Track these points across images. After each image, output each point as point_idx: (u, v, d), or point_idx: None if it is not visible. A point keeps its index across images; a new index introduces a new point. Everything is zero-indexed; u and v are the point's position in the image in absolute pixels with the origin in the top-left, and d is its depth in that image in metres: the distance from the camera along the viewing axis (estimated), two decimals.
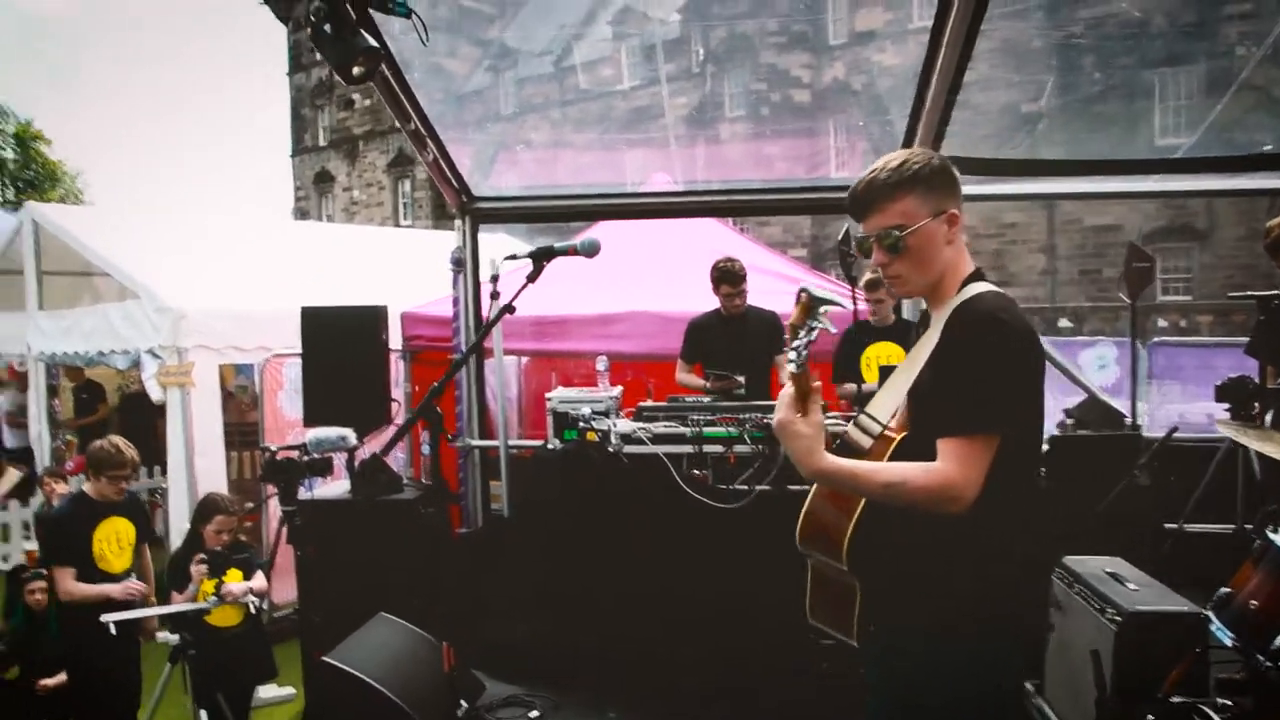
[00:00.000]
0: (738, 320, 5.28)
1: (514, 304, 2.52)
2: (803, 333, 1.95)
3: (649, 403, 5.00)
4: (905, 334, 5.26)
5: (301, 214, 42.45)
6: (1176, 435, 4.56)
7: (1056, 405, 5.83)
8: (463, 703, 3.68)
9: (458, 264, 5.91)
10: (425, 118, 5.24)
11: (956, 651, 1.98)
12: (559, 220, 6.91)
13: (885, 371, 4.73)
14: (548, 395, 5.55)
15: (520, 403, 8.71)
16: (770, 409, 4.65)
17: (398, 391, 6.39)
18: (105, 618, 3.93)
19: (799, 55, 31.11)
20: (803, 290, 1.97)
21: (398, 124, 5.28)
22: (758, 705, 4.10)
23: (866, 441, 2.15)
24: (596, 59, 35.27)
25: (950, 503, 1.88)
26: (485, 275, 5.84)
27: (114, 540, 4.41)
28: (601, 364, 5.57)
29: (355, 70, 4.16)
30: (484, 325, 2.58)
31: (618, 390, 5.30)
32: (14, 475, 8.85)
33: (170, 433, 6.90)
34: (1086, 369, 9.46)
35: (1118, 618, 2.89)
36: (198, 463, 6.87)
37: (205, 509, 4.59)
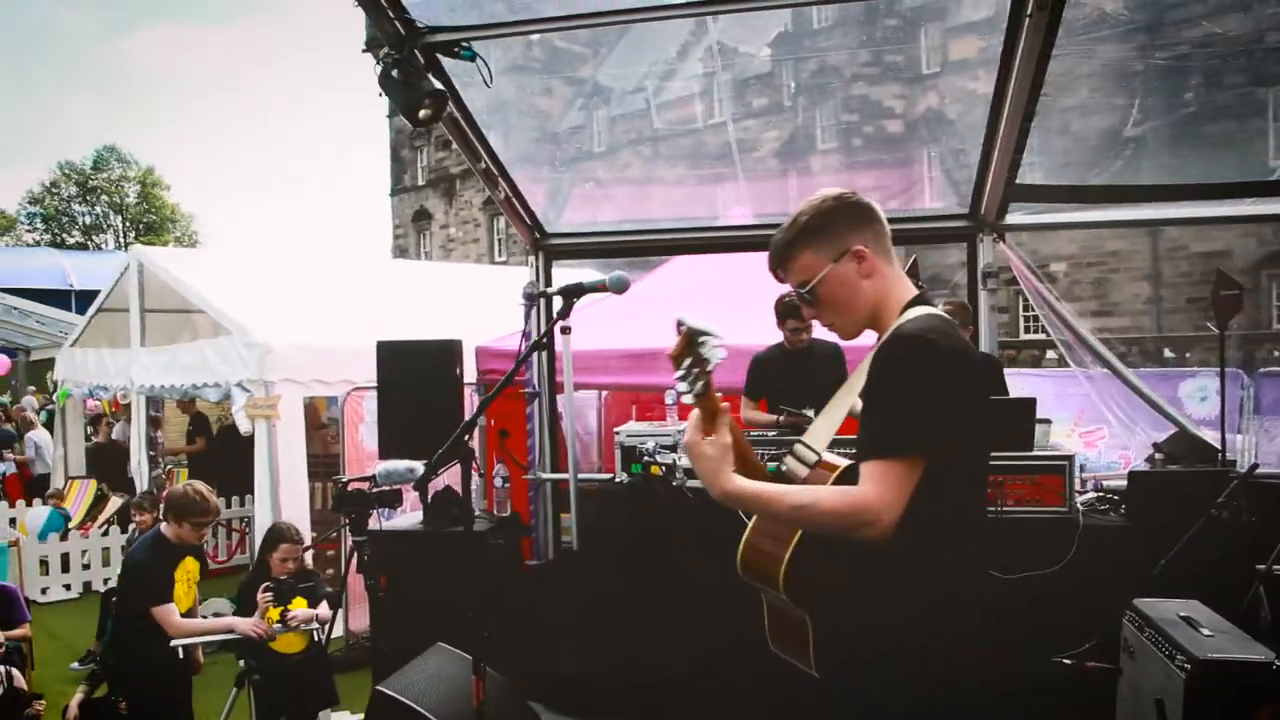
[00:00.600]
0: (802, 354, 5.21)
1: (545, 339, 2.54)
2: (687, 361, 1.90)
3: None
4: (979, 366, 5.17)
5: (400, 252, 43.63)
6: (1260, 472, 4.34)
7: (1147, 439, 5.63)
8: None
9: (529, 299, 6.00)
10: (495, 157, 5.36)
11: (892, 684, 1.90)
12: (631, 255, 6.96)
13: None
14: (616, 429, 5.58)
15: (599, 436, 8.77)
16: (838, 442, 4.62)
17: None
18: (175, 643, 4.07)
19: (891, 86, 30.85)
20: (680, 322, 1.92)
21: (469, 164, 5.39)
22: None
23: (802, 470, 2.12)
24: (688, 95, 35.59)
25: (865, 526, 1.81)
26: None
27: (185, 580, 4.58)
28: (670, 398, 5.59)
29: (421, 113, 4.28)
30: (516, 361, 2.61)
31: (684, 425, 5.29)
32: (115, 502, 9.25)
33: (257, 463, 7.13)
34: (1187, 401, 9.08)
35: (1187, 665, 2.76)
36: (282, 493, 7.08)
37: (271, 538, 4.72)
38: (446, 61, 4.55)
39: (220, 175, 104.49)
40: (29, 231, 57.01)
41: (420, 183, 43.45)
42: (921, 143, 29.84)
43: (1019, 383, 7.66)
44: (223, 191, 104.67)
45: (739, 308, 6.56)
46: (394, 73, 4.18)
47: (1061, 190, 5.53)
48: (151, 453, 11.47)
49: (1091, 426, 8.36)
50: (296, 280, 9.17)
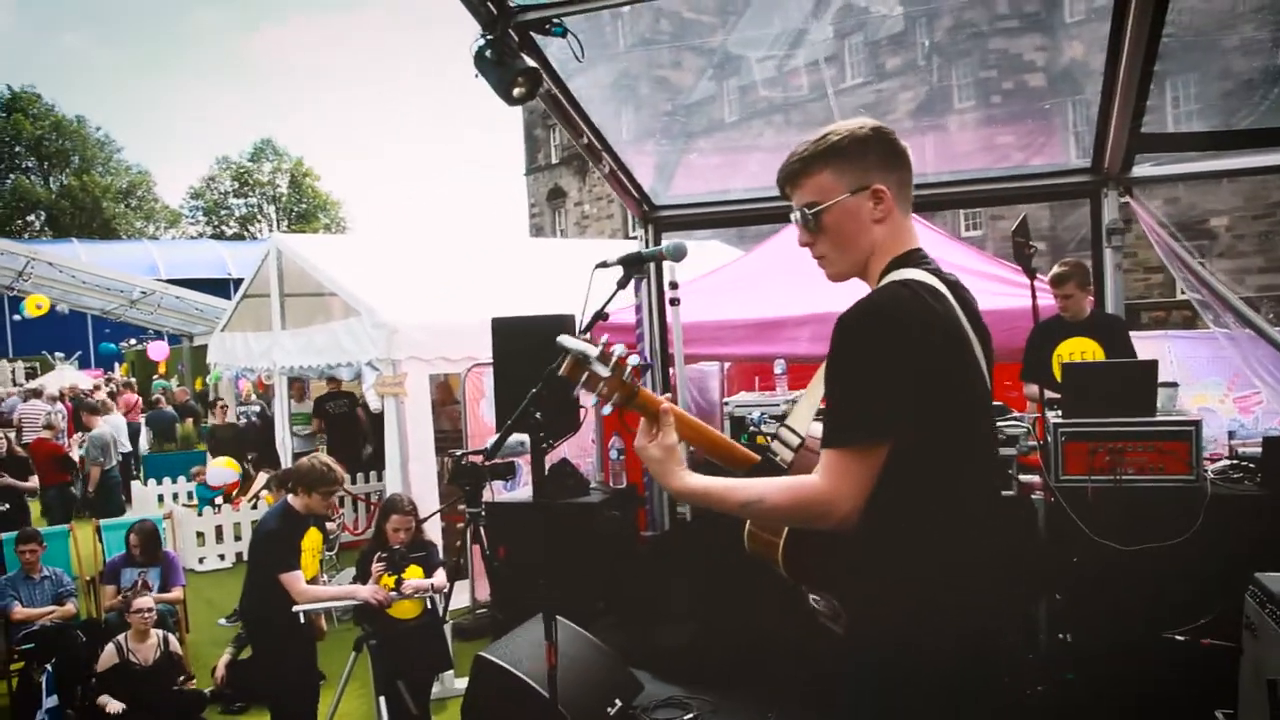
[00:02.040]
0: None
1: (607, 310, 2.54)
2: (584, 379, 1.88)
3: (821, 407, 4.90)
4: (1104, 329, 4.92)
5: (536, 230, 44.36)
6: None
7: None
8: (617, 701, 3.74)
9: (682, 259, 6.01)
10: (598, 131, 5.38)
11: (872, 667, 1.81)
12: (740, 224, 6.89)
13: (1069, 369, 4.46)
14: (726, 400, 5.56)
15: (721, 407, 8.75)
16: None
17: (587, 399, 6.57)
18: (297, 608, 4.29)
19: (1031, 38, 29.44)
20: (560, 345, 1.91)
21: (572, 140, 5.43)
22: None
23: (787, 455, 2.02)
24: (819, 59, 34.93)
25: (819, 518, 1.73)
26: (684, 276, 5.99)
27: (311, 550, 4.85)
28: (779, 367, 5.53)
29: (515, 91, 4.33)
30: (580, 332, 2.61)
31: (797, 394, 5.24)
32: (262, 478, 9.78)
33: (387, 439, 7.40)
34: None
35: None
36: (411, 467, 7.32)
37: (385, 509, 4.91)
38: (547, 40, 4.59)
39: (365, 162, 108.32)
40: (191, 224, 60.43)
41: (554, 161, 44.01)
42: (1065, 95, 28.45)
43: (1167, 346, 7.24)
44: (369, 178, 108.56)
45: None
46: (488, 53, 4.24)
47: (1197, 137, 5.18)
48: (299, 429, 12.10)
49: (1247, 391, 7.88)
50: (426, 261, 9.43)
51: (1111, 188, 5.19)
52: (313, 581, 4.84)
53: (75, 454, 11.04)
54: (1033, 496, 4.30)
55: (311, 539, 4.85)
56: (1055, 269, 4.98)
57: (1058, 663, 4.07)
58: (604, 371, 1.86)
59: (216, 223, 59.29)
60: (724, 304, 6.94)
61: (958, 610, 1.76)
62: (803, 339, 6.25)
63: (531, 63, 4.31)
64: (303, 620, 4.49)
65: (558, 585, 5.31)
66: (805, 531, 1.89)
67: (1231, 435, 5.69)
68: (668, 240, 2.59)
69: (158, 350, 21.07)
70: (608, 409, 1.94)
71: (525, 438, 5.48)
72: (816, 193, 1.90)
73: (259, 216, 60.10)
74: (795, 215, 1.95)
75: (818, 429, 1.92)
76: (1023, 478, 4.45)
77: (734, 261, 8.32)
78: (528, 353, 5.81)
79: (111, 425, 11.01)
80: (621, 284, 2.50)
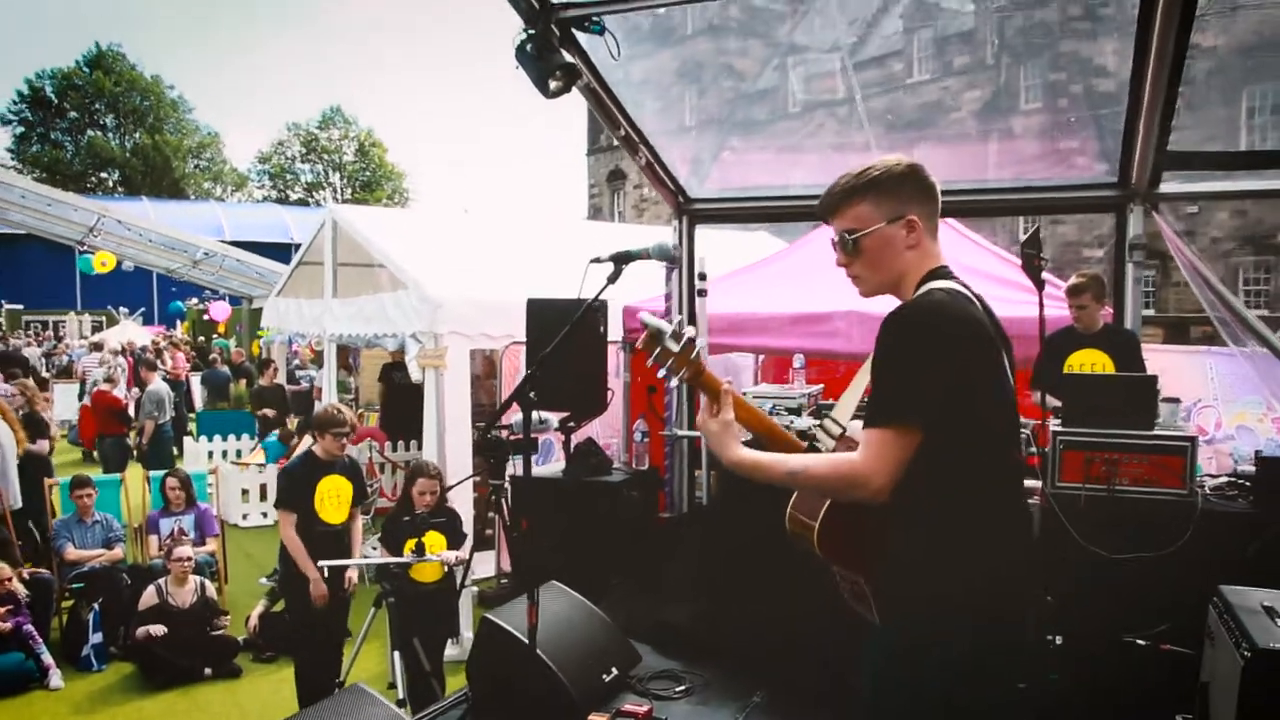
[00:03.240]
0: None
1: (601, 300, 2.74)
2: (657, 353, 2.10)
3: (828, 401, 5.06)
4: (1116, 343, 5.01)
5: (595, 211, 44.60)
6: None
7: None
8: (613, 669, 3.95)
9: (671, 261, 6.19)
10: (634, 124, 5.57)
11: (897, 650, 2.03)
12: (773, 220, 7.03)
13: (1070, 380, 4.56)
14: (745, 390, 5.73)
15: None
16: None
17: (616, 381, 6.79)
18: (321, 564, 4.58)
19: (1106, 41, 28.91)
20: (643, 322, 2.14)
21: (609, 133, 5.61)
22: None
23: (829, 443, 2.27)
24: (886, 54, 34.55)
25: (855, 489, 1.95)
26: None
27: (334, 495, 5.12)
28: (798, 361, 5.68)
29: (552, 85, 4.53)
30: (572, 322, 2.84)
31: (815, 388, 5.39)
32: (308, 441, 10.12)
33: (426, 409, 7.67)
34: None
35: (1248, 653, 2.70)
36: (448, 438, 7.59)
37: (412, 473, 5.17)
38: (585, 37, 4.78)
39: (433, 136, 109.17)
40: (258, 188, 61.50)
41: (615, 143, 44.08)
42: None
43: (1208, 362, 7.22)
44: (436, 152, 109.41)
45: None
46: (528, 47, 4.44)
47: (1221, 157, 5.22)
48: (347, 396, 12.47)
49: None
50: (476, 239, 9.69)
51: (1138, 204, 5.25)
52: (342, 529, 5.16)
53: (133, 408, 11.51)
54: (1029, 502, 4.42)
55: (334, 484, 5.14)
56: (1073, 279, 5.08)
57: (1043, 662, 4.20)
58: (674, 347, 2.09)
59: (282, 187, 60.38)
60: (762, 296, 7.09)
61: (981, 601, 1.95)
62: (839, 335, 6.40)
63: (569, 58, 4.49)
64: (326, 574, 4.77)
65: (575, 559, 5.57)
66: (840, 515, 2.13)
67: (1258, 453, 5.73)
68: (655, 241, 2.77)
69: (219, 310, 21.69)
70: (674, 382, 2.20)
71: (550, 415, 5.72)
72: (856, 221, 2.15)
73: (324, 183, 61.08)
74: (834, 238, 2.20)
75: (857, 426, 2.17)
76: (1028, 483, 4.57)
77: (776, 255, 8.45)
78: (559, 332, 6.08)
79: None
80: (611, 279, 2.69)
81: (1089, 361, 4.94)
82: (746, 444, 2.18)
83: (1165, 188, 5.25)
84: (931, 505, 1.98)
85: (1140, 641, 3.70)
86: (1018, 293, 5.74)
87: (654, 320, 2.10)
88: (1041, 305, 4.35)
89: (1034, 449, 4.34)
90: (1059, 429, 4.20)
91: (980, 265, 6.63)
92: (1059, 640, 4.24)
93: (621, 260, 2.69)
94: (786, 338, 6.75)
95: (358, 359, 13.48)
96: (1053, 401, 4.59)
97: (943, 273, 2.14)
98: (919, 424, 1.92)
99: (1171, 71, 4.38)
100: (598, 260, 2.72)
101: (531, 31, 4.48)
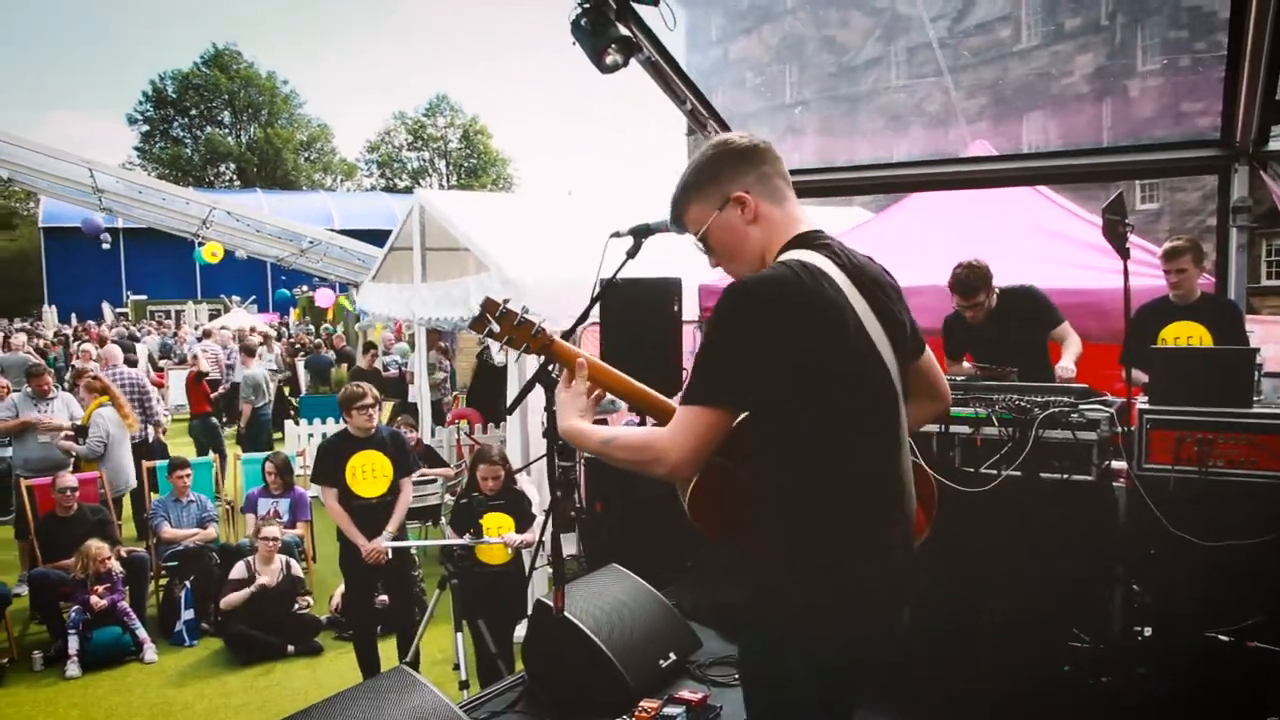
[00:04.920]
0: (994, 310, 4.93)
1: (617, 278, 2.65)
2: (492, 330, 2.21)
3: None
4: (1215, 314, 4.68)
5: None
6: None
7: None
8: (671, 654, 3.86)
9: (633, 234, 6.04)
10: (702, 96, 5.42)
11: (751, 636, 2.02)
12: (850, 193, 6.80)
13: (1158, 354, 4.26)
14: None
15: None
16: (1026, 390, 4.37)
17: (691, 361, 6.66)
18: (385, 544, 4.62)
19: None
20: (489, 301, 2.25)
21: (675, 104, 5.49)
22: (991, 694, 3.90)
23: None
24: (994, 19, 33.42)
25: (650, 464, 1.89)
26: None
27: (367, 469, 5.23)
28: None
29: (608, 59, 4.44)
30: (590, 301, 2.75)
31: None
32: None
33: (508, 392, 7.70)
34: None
35: None
36: (530, 419, 7.61)
37: (475, 458, 5.17)
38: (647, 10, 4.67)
39: (542, 119, 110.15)
40: (366, 177, 63.12)
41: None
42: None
43: None
44: (545, 136, 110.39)
45: (982, 245, 6.27)
46: (583, 21, 4.35)
47: None
48: (442, 376, 12.64)
49: None
50: (567, 220, 9.68)
51: (1243, 163, 4.90)
52: (380, 501, 5.27)
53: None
54: (1114, 484, 4.16)
55: (367, 459, 5.26)
56: (1169, 242, 4.75)
57: (1130, 655, 3.96)
58: (495, 326, 2.20)
59: (390, 175, 61.83)
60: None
61: (836, 611, 1.85)
62: (925, 310, 6.16)
63: (625, 31, 4.39)
64: (390, 555, 4.82)
65: (647, 540, 5.51)
66: (703, 488, 2.06)
67: None
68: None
69: (324, 297, 22.31)
70: (515, 357, 2.22)
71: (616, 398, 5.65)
72: (695, 224, 2.10)
73: (430, 170, 62.31)
74: (696, 245, 2.14)
75: None
76: (1116, 464, 4.31)
77: (856, 227, 8.20)
78: (634, 312, 6.00)
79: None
80: (631, 253, 2.60)
81: (1184, 335, 4.63)
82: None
83: (1277, 144, 4.87)
84: (784, 498, 1.89)
85: (1223, 638, 3.43)
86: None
87: (480, 301, 2.18)
88: (1127, 275, 4.08)
89: (1119, 428, 4.08)
90: (1145, 407, 3.93)
91: (1073, 233, 6.30)
92: (1148, 632, 3.99)
93: (641, 234, 2.59)
94: None
95: (454, 342, 13.67)
96: (1141, 377, 4.31)
97: (805, 239, 2.00)
98: (726, 404, 1.84)
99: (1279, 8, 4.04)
100: (618, 234, 2.63)
101: (586, 5, 4.39)
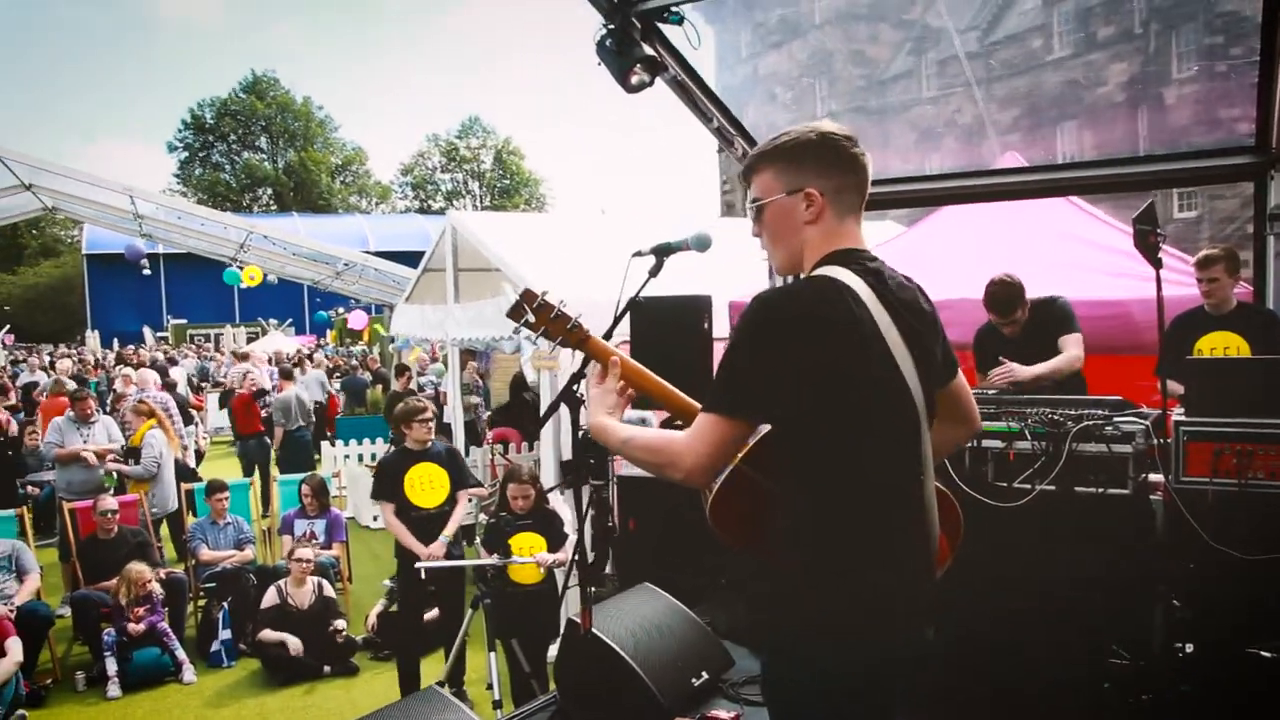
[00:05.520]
0: (1025, 322, 4.87)
1: (646, 296, 2.66)
2: (528, 321, 2.23)
3: None
4: (1251, 324, 4.60)
5: (727, 208, 44.43)
6: None
7: None
8: (704, 673, 3.85)
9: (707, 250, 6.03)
10: (729, 113, 5.43)
11: (772, 647, 1.99)
12: (881, 208, 6.77)
13: (1194, 365, 4.19)
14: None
15: None
16: (1060, 404, 4.32)
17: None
18: (418, 565, 4.65)
19: None
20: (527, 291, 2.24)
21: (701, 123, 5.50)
22: (1028, 713, 3.85)
23: None
24: (1025, 30, 33.26)
25: (668, 466, 1.92)
26: None
27: (425, 481, 5.30)
28: None
29: (634, 79, 4.46)
30: (614, 319, 2.77)
31: None
32: None
33: (542, 410, 7.73)
34: None
35: None
36: (563, 437, 7.63)
37: (505, 477, 5.19)
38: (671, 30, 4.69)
39: (569, 140, 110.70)
40: (400, 199, 63.75)
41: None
42: None
43: None
44: (579, 156, 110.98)
45: (1014, 256, 6.22)
46: (608, 42, 4.38)
47: None
48: (475, 399, 12.71)
49: None
50: (592, 239, 9.72)
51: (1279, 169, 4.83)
52: (436, 513, 5.33)
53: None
54: (1151, 498, 4.10)
55: (425, 470, 5.33)
56: (1203, 252, 4.69)
57: (1171, 672, 3.89)
58: (531, 317, 2.21)
59: (424, 197, 62.40)
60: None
61: (848, 621, 1.86)
62: (952, 324, 6.10)
63: (650, 50, 4.42)
64: (424, 575, 4.84)
65: (680, 560, 5.49)
66: (726, 496, 2.17)
67: None
68: (693, 232, 2.68)
69: (358, 319, 22.50)
70: (550, 349, 2.24)
71: (650, 415, 5.66)
72: (760, 189, 2.06)
73: (464, 191, 62.83)
74: (748, 207, 2.13)
75: None
76: (1153, 477, 4.24)
77: (886, 242, 8.15)
78: (663, 330, 6.00)
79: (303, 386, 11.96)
80: (653, 272, 2.62)
81: (1220, 345, 4.55)
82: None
83: None
84: (801, 508, 1.91)
85: (1266, 654, 3.36)
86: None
87: (525, 290, 2.18)
88: (1160, 285, 4.03)
89: (1155, 441, 4.02)
90: (1181, 418, 3.87)
91: (1108, 242, 6.24)
92: (1189, 649, 3.92)
93: (663, 253, 2.61)
94: None
95: (489, 363, 13.74)
96: (1177, 389, 4.24)
97: (844, 257, 1.98)
98: (742, 415, 1.88)
99: None
100: (640, 254, 2.65)
101: (611, 26, 4.43)
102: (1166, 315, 4.29)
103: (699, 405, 2.09)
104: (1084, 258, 6.18)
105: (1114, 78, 30.15)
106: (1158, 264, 4.02)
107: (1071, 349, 4.74)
